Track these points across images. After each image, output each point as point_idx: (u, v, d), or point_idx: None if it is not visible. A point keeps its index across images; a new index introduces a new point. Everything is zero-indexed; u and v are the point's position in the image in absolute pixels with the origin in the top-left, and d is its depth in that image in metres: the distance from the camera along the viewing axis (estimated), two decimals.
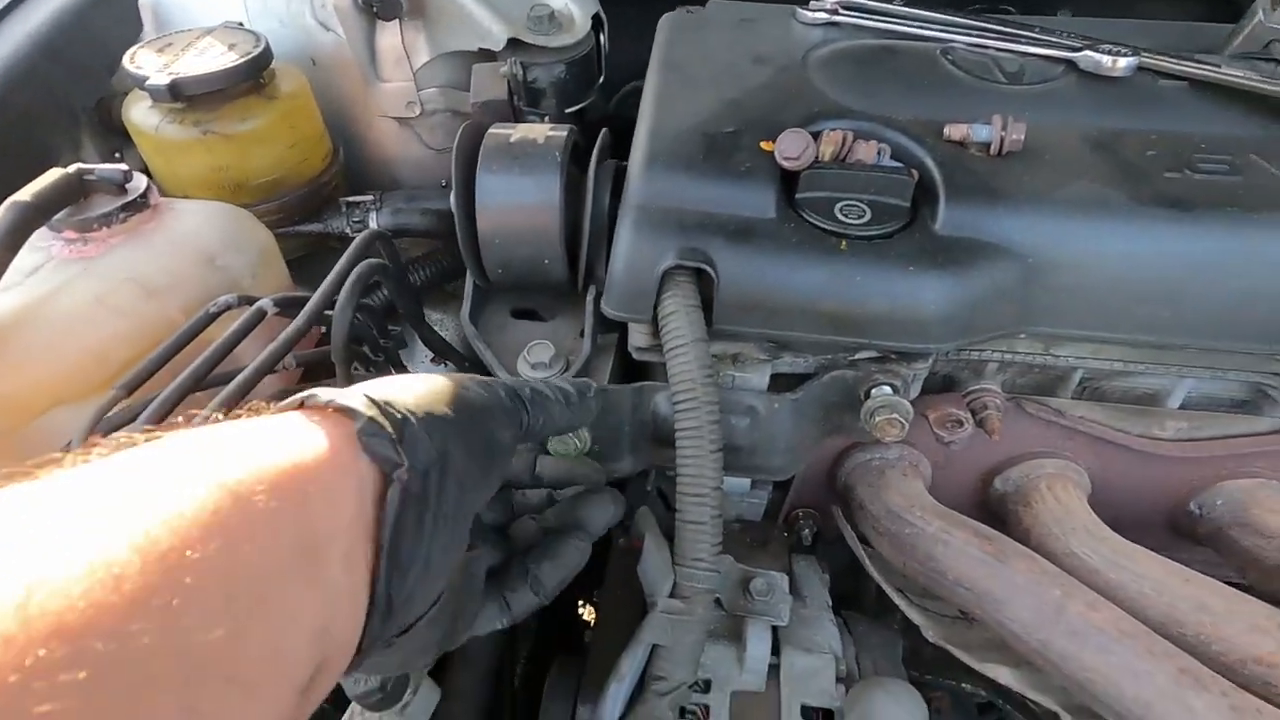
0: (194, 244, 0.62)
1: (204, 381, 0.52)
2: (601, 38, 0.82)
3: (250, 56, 0.69)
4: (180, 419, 0.33)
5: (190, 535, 0.24)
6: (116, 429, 0.52)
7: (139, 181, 0.63)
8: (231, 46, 0.71)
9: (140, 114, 0.71)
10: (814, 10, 0.75)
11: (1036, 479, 0.66)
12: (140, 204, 0.62)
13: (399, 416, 0.34)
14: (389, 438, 0.33)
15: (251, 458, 0.28)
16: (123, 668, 0.21)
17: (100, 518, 0.23)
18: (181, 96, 0.67)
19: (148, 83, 0.67)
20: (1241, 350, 0.58)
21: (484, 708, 0.68)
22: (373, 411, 0.33)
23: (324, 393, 0.34)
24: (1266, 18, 0.63)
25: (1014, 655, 0.58)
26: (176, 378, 0.51)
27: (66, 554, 0.22)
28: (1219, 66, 0.64)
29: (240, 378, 0.50)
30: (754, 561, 0.69)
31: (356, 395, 0.34)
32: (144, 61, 0.70)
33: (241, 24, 0.77)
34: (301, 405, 0.34)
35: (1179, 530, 0.69)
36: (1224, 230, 0.55)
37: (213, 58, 0.70)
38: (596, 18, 0.80)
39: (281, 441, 0.30)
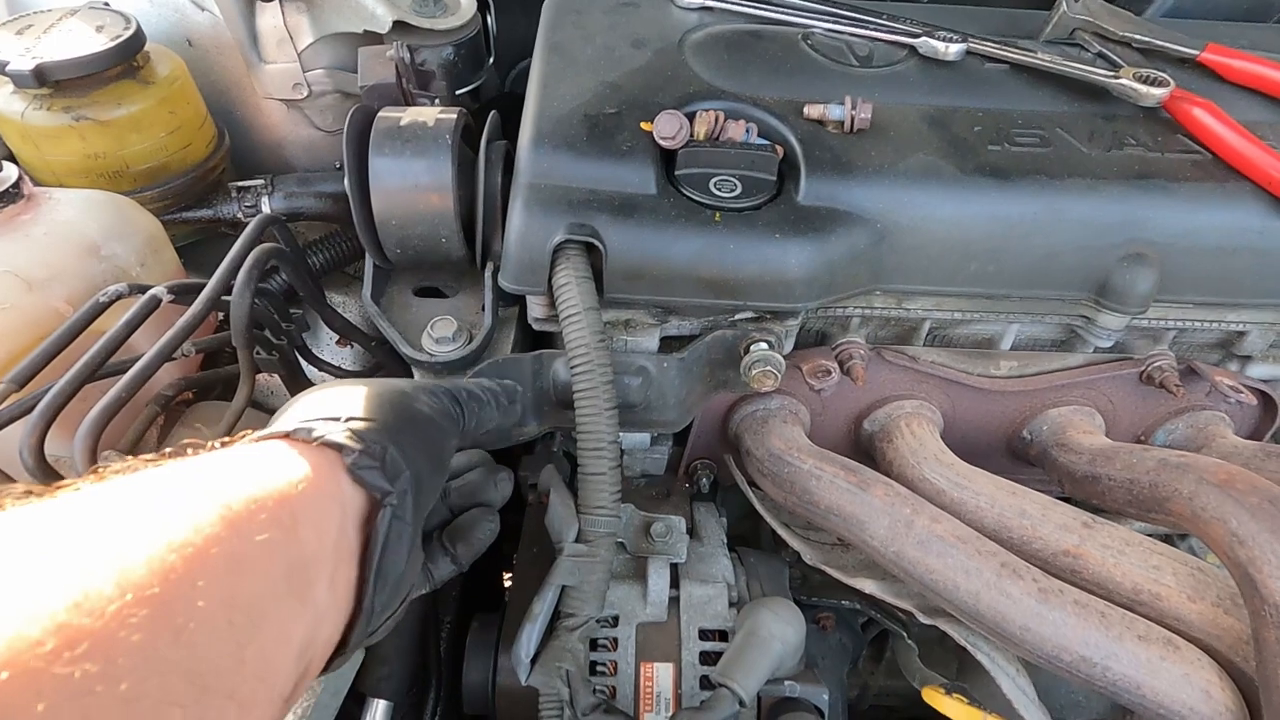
0: (74, 234, 0.61)
1: (99, 372, 0.52)
2: (489, 19, 0.84)
3: (121, 39, 0.67)
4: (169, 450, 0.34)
5: (201, 563, 0.26)
6: (8, 423, 0.52)
7: (9, 171, 0.61)
8: (100, 28, 0.69)
9: (2, 100, 0.68)
10: None
11: (897, 418, 0.75)
12: (13, 194, 0.60)
13: (380, 447, 0.37)
14: (378, 468, 0.37)
15: (249, 489, 0.31)
16: (145, 683, 0.23)
17: (124, 542, 0.25)
18: (48, 81, 0.65)
19: (9, 67, 0.64)
20: (1054, 297, 0.68)
21: (411, 668, 0.71)
22: (360, 445, 0.37)
23: (318, 427, 0.36)
24: (1069, 9, 0.73)
25: (879, 570, 0.67)
26: (70, 369, 0.51)
27: (96, 573, 0.23)
28: (1035, 52, 0.73)
29: (137, 366, 0.50)
30: (659, 511, 0.75)
31: (340, 429, 0.37)
32: (1, 44, 0.67)
33: (107, 3, 0.74)
34: (287, 436, 0.36)
35: (1016, 454, 0.80)
36: (1034, 195, 0.64)
37: (80, 40, 0.67)
38: (481, 0, 0.82)
39: (273, 472, 0.33)
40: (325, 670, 0.37)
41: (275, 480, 0.33)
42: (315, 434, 0.36)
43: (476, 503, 0.56)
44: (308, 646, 0.32)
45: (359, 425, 0.38)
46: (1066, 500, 0.68)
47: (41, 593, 0.22)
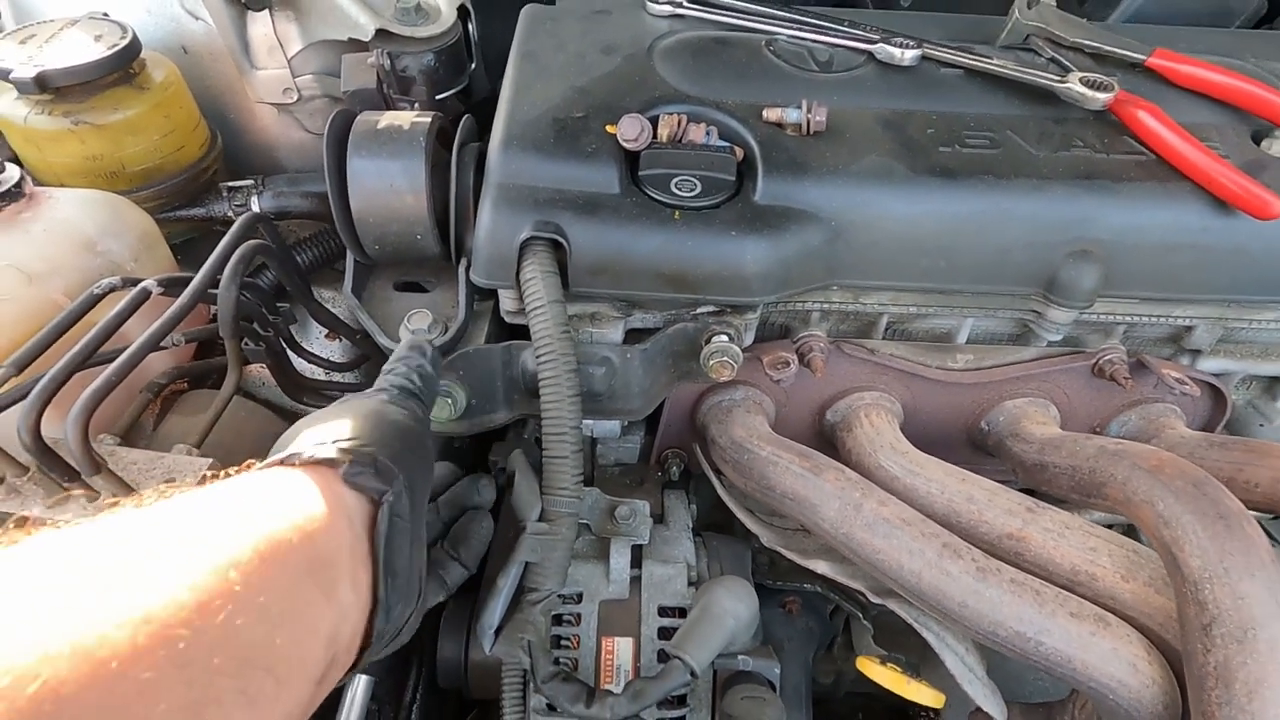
0: (72, 230, 0.65)
1: (91, 359, 0.56)
2: (470, 27, 0.88)
3: (118, 48, 0.71)
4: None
5: (240, 567, 0.32)
6: (7, 406, 0.55)
7: (11, 172, 0.65)
8: (98, 37, 0.73)
9: (7, 105, 0.72)
10: (661, 3, 0.84)
11: (857, 409, 0.77)
12: (15, 194, 0.64)
13: (367, 453, 0.43)
14: (370, 473, 0.42)
15: (267, 505, 0.37)
16: (201, 652, 0.29)
17: (185, 551, 0.31)
18: (49, 88, 0.69)
19: (12, 75, 0.68)
20: (1005, 292, 0.71)
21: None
22: (349, 456, 0.42)
23: (305, 451, 0.42)
24: (1022, 15, 0.76)
25: (835, 554, 0.70)
26: (63, 357, 0.55)
27: (168, 577, 0.30)
28: (990, 57, 0.76)
29: (125, 354, 0.54)
30: (633, 497, 0.78)
31: (329, 448, 0.42)
32: (6, 53, 0.71)
33: (106, 14, 0.78)
34: (282, 463, 0.42)
35: (975, 444, 0.82)
36: (982, 194, 0.67)
37: (79, 48, 0.71)
38: (463, 8, 0.86)
39: (281, 490, 0.39)
40: (356, 665, 0.42)
41: (286, 497, 0.38)
42: (306, 455, 0.42)
43: (466, 509, 0.61)
44: (334, 638, 0.37)
45: (345, 443, 0.43)
46: (1030, 493, 0.70)
47: (113, 595, 0.28)
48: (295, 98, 0.87)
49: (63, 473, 0.54)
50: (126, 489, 0.56)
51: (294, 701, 0.34)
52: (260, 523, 0.35)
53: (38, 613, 0.26)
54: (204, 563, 0.31)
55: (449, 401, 0.63)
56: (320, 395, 0.85)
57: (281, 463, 0.42)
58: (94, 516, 0.33)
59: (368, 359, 0.90)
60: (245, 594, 0.31)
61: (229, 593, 0.31)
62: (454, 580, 0.56)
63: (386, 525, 0.42)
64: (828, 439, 0.81)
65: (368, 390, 0.53)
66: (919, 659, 0.73)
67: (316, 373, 0.90)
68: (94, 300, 0.61)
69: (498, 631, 0.58)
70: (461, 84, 0.86)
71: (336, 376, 0.91)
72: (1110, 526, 0.74)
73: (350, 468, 0.42)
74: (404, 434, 0.48)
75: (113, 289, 0.62)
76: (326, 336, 0.99)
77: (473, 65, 0.89)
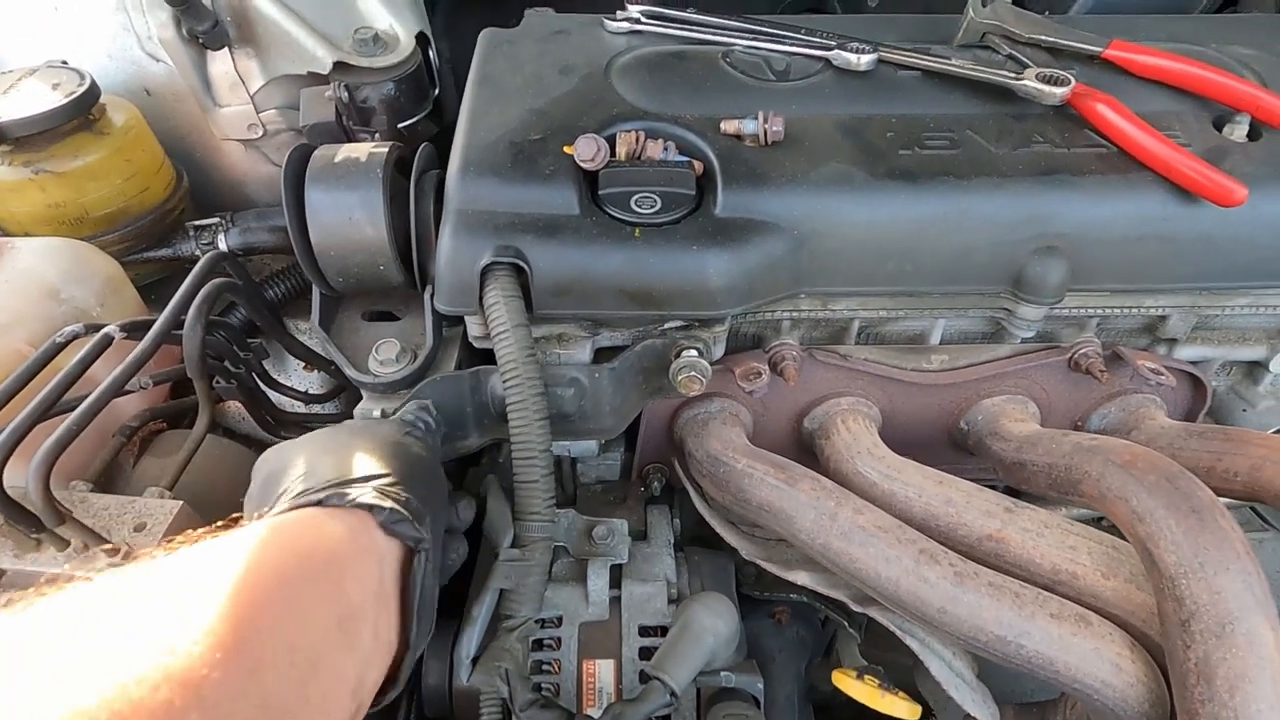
0: (34, 279, 0.65)
1: (55, 407, 0.56)
2: (430, 53, 0.88)
3: (75, 95, 0.72)
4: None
5: (264, 617, 0.32)
6: None
7: None
8: (56, 86, 0.73)
9: None
10: (619, 20, 0.84)
11: (833, 415, 0.77)
12: None
13: (404, 498, 0.42)
14: (409, 521, 0.41)
15: (299, 554, 0.36)
16: (228, 706, 0.28)
17: (209, 598, 0.31)
18: (7, 139, 0.69)
19: None
20: (973, 291, 0.71)
21: None
22: (389, 503, 0.41)
23: (350, 491, 0.41)
24: (976, 14, 0.76)
25: (815, 564, 0.69)
26: (25, 407, 0.55)
27: (193, 625, 0.29)
28: (947, 58, 0.76)
29: (87, 402, 0.54)
30: (614, 515, 0.78)
31: (368, 491, 0.41)
32: None
33: (65, 62, 0.79)
34: (320, 504, 0.41)
35: (956, 445, 0.82)
36: (943, 196, 0.67)
37: (37, 98, 0.72)
38: (421, 35, 0.86)
39: (317, 537, 0.38)
40: (377, 704, 0.42)
41: (320, 544, 0.38)
42: (348, 498, 0.41)
43: (443, 530, 0.60)
44: (359, 686, 0.37)
45: (382, 483, 0.42)
46: (1012, 491, 0.70)
47: (141, 649, 0.28)
48: (260, 133, 0.87)
49: (28, 524, 0.54)
50: (95, 536, 0.56)
51: None
52: (292, 575, 0.34)
53: (56, 673, 0.26)
54: (232, 615, 0.30)
55: None
56: (300, 428, 0.85)
57: (319, 504, 0.41)
58: (87, 568, 0.33)
59: (345, 389, 0.90)
60: (274, 648, 0.31)
61: (259, 646, 0.30)
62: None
63: (423, 572, 0.42)
64: (807, 447, 0.81)
65: (377, 419, 0.53)
66: (912, 665, 0.73)
67: (297, 405, 0.90)
68: (56, 349, 0.61)
69: (475, 660, 0.58)
70: (424, 110, 0.87)
71: (316, 408, 0.91)
72: (1096, 522, 0.73)
73: (390, 514, 0.41)
74: (427, 470, 0.48)
75: (75, 336, 0.62)
76: (304, 368, 0.99)
77: (436, 91, 0.89)
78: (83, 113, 0.73)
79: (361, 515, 0.41)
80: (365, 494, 0.41)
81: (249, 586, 0.32)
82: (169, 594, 0.31)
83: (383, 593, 0.40)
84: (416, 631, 0.42)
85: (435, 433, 0.53)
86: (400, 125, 0.82)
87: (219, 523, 0.40)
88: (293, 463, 0.45)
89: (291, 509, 0.41)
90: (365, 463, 0.44)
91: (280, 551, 0.36)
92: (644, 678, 0.63)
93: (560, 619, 0.65)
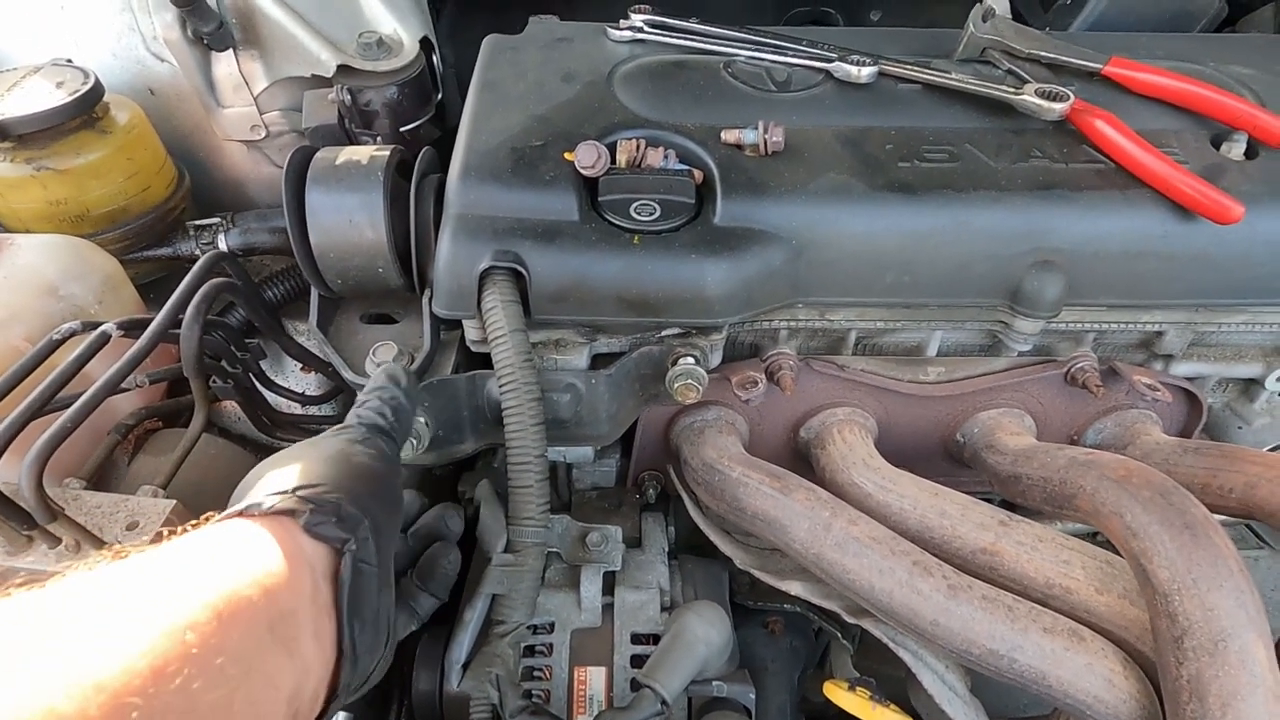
0: (33, 276, 0.65)
1: (50, 404, 0.56)
2: (434, 58, 0.88)
3: (79, 94, 0.72)
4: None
5: (197, 629, 0.31)
6: None
7: None
8: (60, 84, 0.73)
9: None
10: (622, 28, 0.84)
11: (830, 425, 0.77)
12: None
13: (332, 501, 0.42)
14: (332, 521, 0.41)
15: (225, 563, 0.36)
16: (162, 713, 0.28)
17: (139, 614, 0.31)
18: (10, 136, 0.69)
19: None
20: (970, 304, 0.71)
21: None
22: (309, 506, 0.41)
23: (264, 501, 0.41)
24: (977, 29, 0.77)
25: (808, 574, 0.69)
26: (20, 404, 0.54)
27: (121, 643, 0.29)
28: (948, 72, 0.77)
29: (82, 400, 0.54)
30: (609, 522, 0.77)
31: (290, 498, 0.42)
32: None
33: (70, 60, 0.79)
34: (241, 514, 0.41)
35: (953, 457, 0.82)
36: (941, 209, 0.67)
37: (41, 96, 0.72)
38: (425, 40, 0.86)
39: (241, 545, 0.38)
40: (323, 716, 0.41)
41: (245, 552, 0.38)
42: (265, 506, 0.41)
43: (435, 539, 0.60)
44: (296, 694, 0.37)
45: (306, 491, 0.42)
46: (1008, 505, 0.70)
47: (67, 667, 0.27)
48: (263, 134, 0.88)
49: (20, 520, 0.54)
50: (87, 534, 0.56)
51: None
52: (218, 581, 0.34)
53: None
54: (158, 626, 0.30)
55: (412, 441, 0.63)
56: (296, 429, 0.85)
57: (241, 514, 0.41)
58: (48, 576, 0.33)
59: (343, 390, 0.89)
60: (202, 656, 0.31)
61: (185, 656, 0.30)
62: (425, 610, 0.55)
63: (350, 574, 0.41)
64: (802, 456, 0.81)
65: (334, 428, 0.52)
66: (904, 678, 0.72)
67: (294, 406, 0.90)
68: (54, 346, 0.61)
69: (466, 666, 0.58)
70: (427, 114, 0.87)
71: (313, 409, 0.91)
72: (1091, 537, 0.73)
73: (311, 517, 0.41)
74: (369, 476, 0.47)
75: (73, 333, 0.62)
76: (302, 369, 0.99)
77: (439, 95, 0.89)
78: (86, 111, 0.73)
79: (284, 521, 0.41)
80: (287, 500, 0.42)
81: (176, 596, 0.32)
82: (92, 607, 0.31)
83: (318, 599, 0.40)
84: (353, 637, 0.41)
85: (389, 433, 0.52)
86: (402, 129, 0.82)
87: (191, 521, 0.40)
88: (254, 481, 0.46)
89: (222, 521, 0.41)
90: (297, 473, 0.44)
91: (207, 560, 0.36)
92: (635, 686, 0.62)
93: (552, 625, 0.65)
